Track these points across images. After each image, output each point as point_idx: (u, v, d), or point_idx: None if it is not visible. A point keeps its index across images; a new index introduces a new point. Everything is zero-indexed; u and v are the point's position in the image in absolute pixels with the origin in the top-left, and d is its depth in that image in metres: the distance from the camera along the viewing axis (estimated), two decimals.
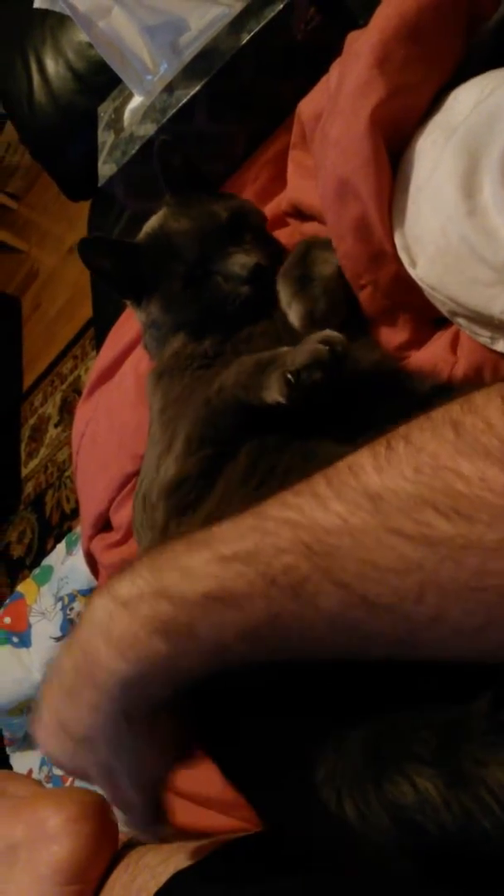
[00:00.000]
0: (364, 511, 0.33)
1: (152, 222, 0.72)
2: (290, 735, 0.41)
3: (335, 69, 0.71)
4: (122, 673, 0.37)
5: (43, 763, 1.11)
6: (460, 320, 0.55)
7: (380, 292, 0.59)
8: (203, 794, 0.58)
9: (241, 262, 0.62)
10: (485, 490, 0.31)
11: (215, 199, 0.69)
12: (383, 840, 0.35)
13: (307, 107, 0.74)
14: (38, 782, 0.68)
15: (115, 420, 0.81)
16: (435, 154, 0.54)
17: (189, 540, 0.38)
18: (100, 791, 0.48)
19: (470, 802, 0.33)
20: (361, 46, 0.58)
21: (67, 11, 0.86)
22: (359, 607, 0.33)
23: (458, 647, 0.34)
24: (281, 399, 0.50)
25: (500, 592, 0.31)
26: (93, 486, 0.82)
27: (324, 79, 0.75)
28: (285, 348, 0.53)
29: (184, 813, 0.61)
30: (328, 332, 0.51)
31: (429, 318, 0.59)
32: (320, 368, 0.49)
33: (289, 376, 0.49)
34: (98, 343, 1.07)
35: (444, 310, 0.56)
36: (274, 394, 0.50)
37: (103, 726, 0.39)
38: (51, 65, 1.29)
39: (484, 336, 0.54)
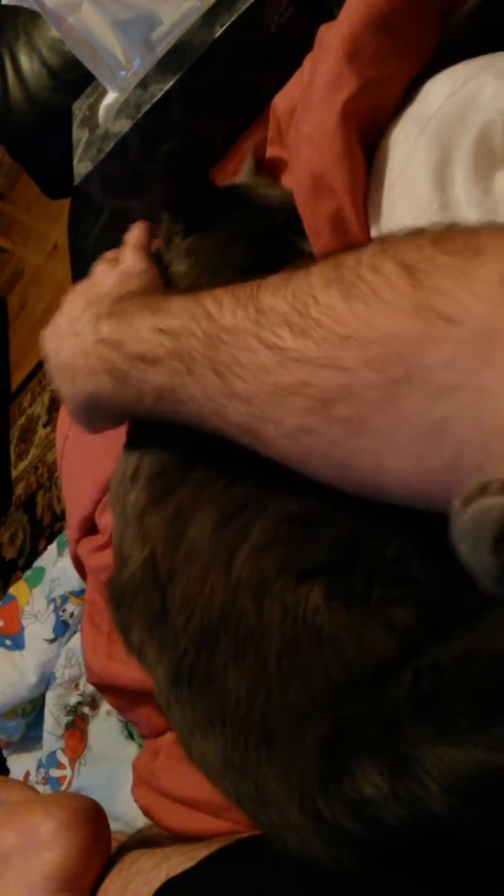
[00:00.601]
0: (249, 319, 0.40)
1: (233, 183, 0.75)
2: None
3: (307, 63, 0.70)
4: (87, 388, 0.52)
5: (40, 765, 1.11)
6: None
7: None
8: (193, 797, 0.58)
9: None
10: (326, 315, 0.36)
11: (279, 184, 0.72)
12: (351, 840, 0.35)
13: (281, 101, 0.73)
14: (31, 788, 0.68)
15: None
16: (408, 147, 0.54)
17: (154, 303, 0.49)
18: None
19: (413, 786, 0.32)
20: (332, 39, 0.57)
21: (36, 7, 0.84)
22: (223, 393, 0.41)
23: (284, 449, 0.40)
24: None
25: (309, 402, 0.37)
26: (77, 489, 0.81)
27: (298, 72, 0.74)
28: None
29: (175, 817, 0.61)
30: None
31: None
32: None
33: None
34: None
35: None
36: None
37: (75, 402, 0.55)
38: (25, 62, 1.28)
39: None
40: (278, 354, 0.38)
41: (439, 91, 0.54)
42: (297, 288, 0.39)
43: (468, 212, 0.48)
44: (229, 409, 0.41)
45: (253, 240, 0.63)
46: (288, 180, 0.73)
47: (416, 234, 0.37)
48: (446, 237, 0.36)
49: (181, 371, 0.43)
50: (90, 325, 0.52)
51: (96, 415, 0.55)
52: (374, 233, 0.56)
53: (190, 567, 0.46)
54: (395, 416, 0.34)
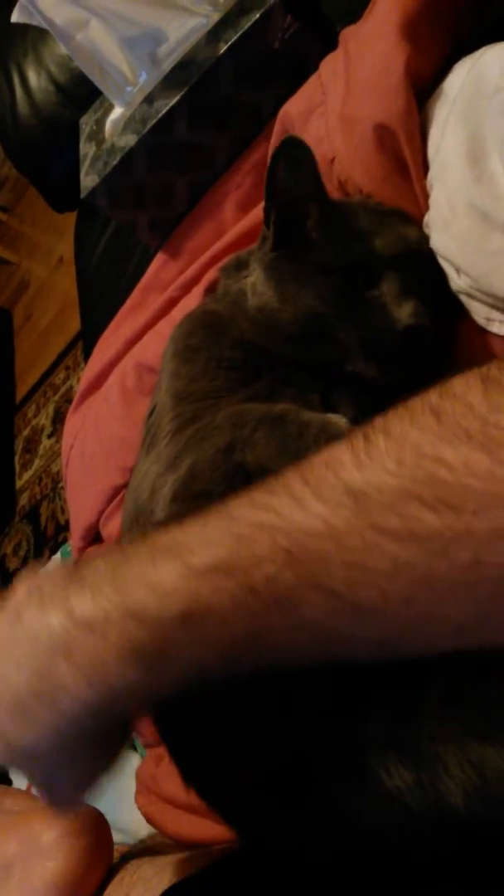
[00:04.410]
0: (346, 510, 0.31)
1: (357, 201, 0.61)
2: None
3: (325, 66, 0.72)
4: (90, 700, 0.34)
5: None
6: (462, 297, 0.55)
7: None
8: (196, 803, 0.58)
9: (413, 310, 0.51)
10: (469, 476, 0.29)
11: (414, 225, 0.58)
12: (385, 831, 0.35)
13: (294, 106, 0.74)
14: (34, 797, 0.68)
15: (102, 433, 0.81)
16: (438, 130, 0.57)
17: (153, 547, 0.34)
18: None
19: (435, 782, 0.32)
20: (382, 24, 0.63)
21: (45, 25, 0.86)
22: (346, 614, 0.31)
23: (447, 646, 0.32)
24: None
25: (494, 586, 0.30)
26: (82, 499, 0.82)
27: (314, 77, 0.75)
28: (326, 416, 0.48)
29: (178, 824, 0.61)
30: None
31: None
32: None
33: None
34: (87, 355, 1.07)
35: (451, 284, 0.55)
36: None
37: (55, 746, 0.35)
38: (33, 78, 1.29)
39: (480, 317, 0.54)
40: (425, 543, 0.30)
41: (461, 70, 0.57)
42: (394, 454, 0.31)
43: (503, 183, 0.49)
44: (360, 630, 0.32)
45: (333, 279, 0.53)
46: None
47: None
48: None
49: (265, 610, 0.32)
50: (50, 615, 0.34)
51: (98, 731, 0.36)
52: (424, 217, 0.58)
53: None
54: None
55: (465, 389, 0.31)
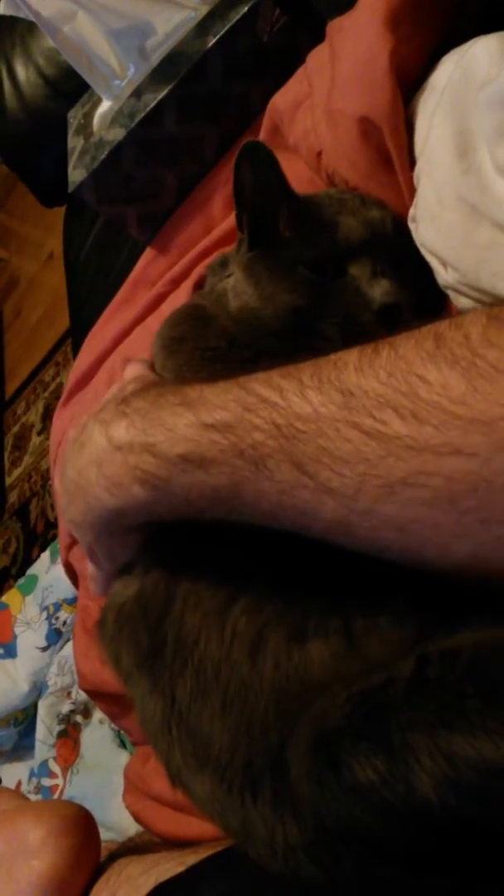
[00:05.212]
0: (334, 404, 0.35)
1: (322, 193, 0.62)
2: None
3: (312, 59, 0.72)
4: (107, 504, 0.44)
5: (32, 774, 1.10)
6: (449, 292, 0.55)
7: None
8: (184, 801, 0.58)
9: (385, 288, 0.53)
10: (443, 397, 0.33)
11: (376, 205, 0.59)
12: (360, 824, 0.35)
13: (282, 98, 0.74)
14: (22, 795, 0.68)
15: None
16: (425, 123, 0.56)
17: (183, 396, 0.42)
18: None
19: (405, 773, 0.32)
20: (364, 14, 0.62)
21: (32, 17, 0.85)
22: (307, 487, 0.36)
23: (386, 541, 0.36)
24: None
25: (431, 493, 0.33)
26: None
27: (300, 70, 0.75)
28: None
29: (166, 822, 0.60)
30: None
31: None
32: None
33: None
34: (76, 352, 1.07)
35: (439, 279, 0.55)
36: None
37: (90, 526, 0.47)
38: (21, 71, 1.28)
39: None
40: (385, 442, 0.34)
41: (449, 62, 0.56)
42: (389, 366, 0.35)
43: (495, 176, 0.49)
44: (316, 506, 0.37)
45: (304, 273, 0.54)
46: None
47: None
48: None
49: (244, 469, 0.38)
50: (97, 433, 0.44)
51: (118, 532, 0.47)
52: (410, 211, 0.57)
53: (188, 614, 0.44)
54: None
55: (470, 322, 0.34)
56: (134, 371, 0.58)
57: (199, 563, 0.45)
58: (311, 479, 0.36)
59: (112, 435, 0.43)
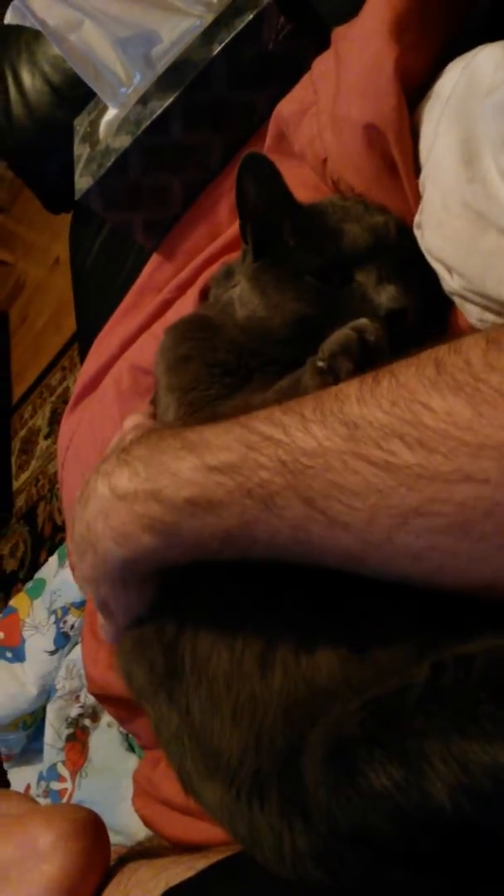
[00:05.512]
0: (339, 437, 0.35)
1: (325, 201, 0.63)
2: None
3: (318, 65, 0.73)
4: (117, 554, 0.43)
5: (41, 778, 1.10)
6: (455, 298, 0.55)
7: None
8: (194, 805, 0.58)
9: (392, 294, 0.53)
10: (449, 424, 0.33)
11: (379, 211, 0.60)
12: (375, 830, 0.35)
13: (287, 106, 0.75)
14: (32, 799, 0.68)
15: (98, 434, 0.81)
16: (431, 129, 0.56)
17: (183, 440, 0.42)
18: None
19: (420, 779, 0.32)
20: (370, 22, 0.62)
21: (38, 26, 0.86)
22: (319, 522, 0.36)
23: (402, 569, 0.36)
24: None
25: (445, 521, 0.33)
26: None
27: (306, 77, 0.76)
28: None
29: (176, 826, 0.61)
30: (362, 321, 0.49)
31: None
32: (349, 357, 0.46)
33: (320, 364, 0.46)
34: (82, 357, 1.07)
35: (444, 286, 0.56)
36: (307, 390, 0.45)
37: (103, 579, 0.46)
38: (27, 78, 1.29)
39: (473, 318, 0.54)
40: (395, 473, 0.34)
41: (454, 70, 0.57)
42: (392, 395, 0.35)
43: (500, 183, 0.49)
44: (330, 540, 0.37)
45: (310, 281, 0.55)
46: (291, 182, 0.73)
47: None
48: None
49: (254, 508, 0.38)
50: (100, 485, 0.44)
51: (133, 581, 0.46)
52: (415, 218, 0.57)
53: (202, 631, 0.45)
54: None
55: (469, 347, 0.35)
56: (133, 421, 0.58)
57: (210, 584, 0.45)
58: (322, 514, 0.36)
59: (115, 485, 0.43)
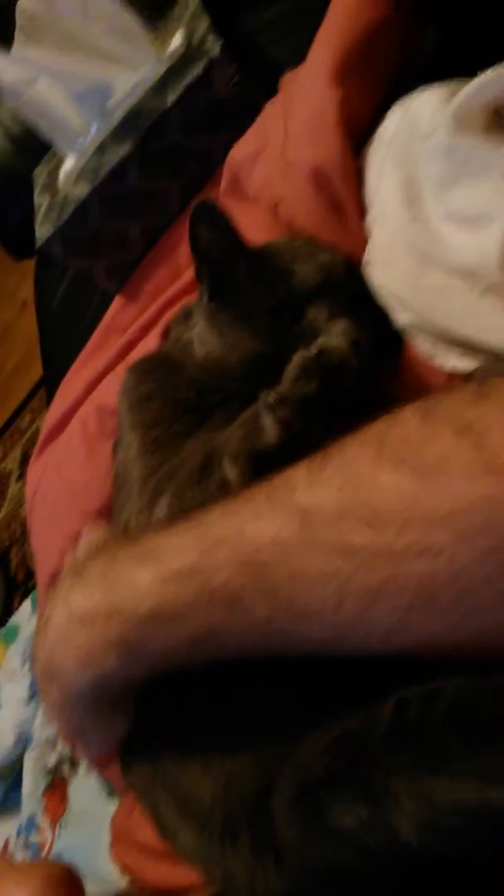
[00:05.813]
0: (294, 525, 0.35)
1: (275, 242, 0.64)
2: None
3: (268, 108, 0.75)
4: (82, 680, 0.42)
5: (20, 831, 1.08)
6: (407, 331, 0.57)
7: None
8: (172, 849, 0.58)
9: (343, 328, 0.53)
10: (397, 499, 0.33)
11: (327, 250, 0.60)
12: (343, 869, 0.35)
13: (240, 150, 0.77)
14: (3, 859, 0.67)
15: (65, 477, 0.81)
16: (375, 173, 0.59)
17: (137, 551, 0.41)
18: None
19: (386, 817, 0.32)
20: (313, 67, 0.65)
21: None
22: (287, 615, 0.36)
23: (382, 643, 0.35)
24: (274, 432, 0.45)
25: (411, 595, 0.33)
26: (47, 544, 0.81)
27: (258, 120, 0.78)
28: None
29: (154, 871, 0.60)
30: (324, 340, 0.50)
31: None
32: (309, 379, 0.46)
33: (270, 400, 0.46)
34: (49, 400, 1.07)
35: (396, 320, 0.58)
36: (268, 433, 0.45)
37: (72, 707, 0.45)
38: None
39: (423, 351, 0.56)
40: (352, 556, 0.34)
41: (396, 113, 0.60)
42: (338, 478, 0.35)
43: (439, 224, 0.51)
44: (299, 631, 0.36)
45: (264, 320, 0.56)
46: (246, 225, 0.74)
47: (456, 391, 0.36)
48: (486, 389, 0.35)
49: (218, 610, 0.37)
50: (59, 608, 0.43)
51: (104, 703, 0.44)
52: (364, 256, 0.59)
53: None
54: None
55: (407, 419, 0.36)
56: (85, 540, 0.57)
57: None
58: (288, 605, 0.35)
59: (73, 608, 0.42)
